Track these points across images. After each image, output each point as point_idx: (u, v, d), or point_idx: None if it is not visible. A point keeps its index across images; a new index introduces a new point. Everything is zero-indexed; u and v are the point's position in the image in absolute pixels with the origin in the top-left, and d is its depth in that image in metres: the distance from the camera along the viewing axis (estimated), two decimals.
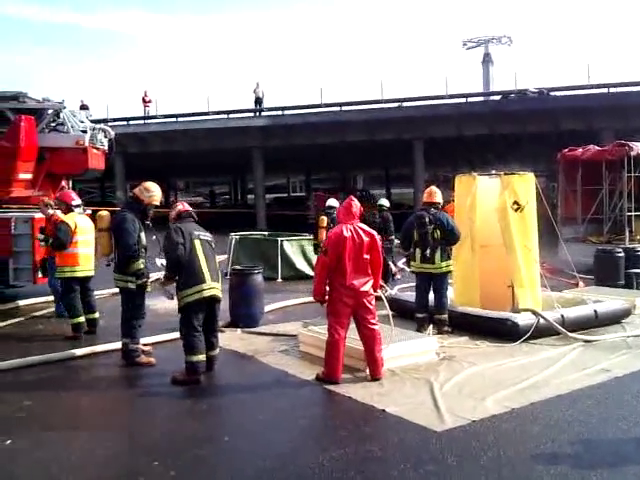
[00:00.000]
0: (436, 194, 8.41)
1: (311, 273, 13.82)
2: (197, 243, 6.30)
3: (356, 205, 6.28)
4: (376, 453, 4.42)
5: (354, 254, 6.08)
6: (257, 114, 30.78)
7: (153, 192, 6.95)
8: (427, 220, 8.05)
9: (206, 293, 6.19)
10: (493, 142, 28.60)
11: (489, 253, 8.55)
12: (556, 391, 5.67)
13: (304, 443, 4.68)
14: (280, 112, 30.98)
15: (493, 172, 8.81)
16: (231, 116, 31.23)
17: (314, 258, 13.96)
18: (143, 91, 32.88)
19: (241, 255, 13.64)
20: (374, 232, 6.28)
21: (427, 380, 6.02)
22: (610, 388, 5.80)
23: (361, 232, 6.15)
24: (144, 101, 32.31)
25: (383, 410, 5.24)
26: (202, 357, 6.20)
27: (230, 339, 7.91)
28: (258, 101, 30.59)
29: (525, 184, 8.54)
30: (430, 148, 28.47)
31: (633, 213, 13.85)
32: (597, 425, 4.88)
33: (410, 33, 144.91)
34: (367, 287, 6.13)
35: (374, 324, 6.19)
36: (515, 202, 8.41)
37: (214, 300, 6.34)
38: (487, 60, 62.62)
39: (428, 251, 8.09)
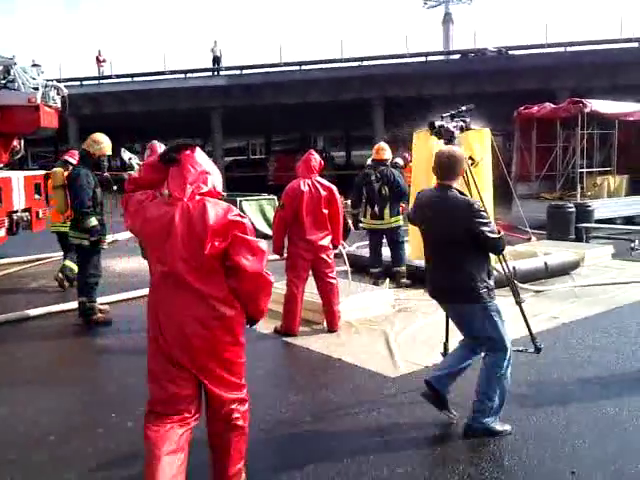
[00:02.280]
0: (384, 151, 8.48)
1: (270, 232, 13.83)
2: None
3: (316, 159, 6.29)
4: (332, 398, 4.56)
5: (312, 208, 6.11)
6: (215, 73, 30.18)
7: (102, 143, 6.83)
8: (374, 177, 8.15)
9: None
10: (453, 101, 28.66)
11: None
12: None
13: (263, 391, 4.78)
14: (239, 71, 30.44)
15: None
16: (188, 76, 30.57)
17: (272, 217, 14.00)
18: (97, 50, 31.80)
19: None
20: (333, 186, 6.30)
21: (383, 331, 6.17)
22: (557, 333, 6.05)
23: (319, 186, 6.18)
24: (98, 60, 31.37)
25: (339, 359, 5.37)
26: None
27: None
28: (216, 60, 29.98)
29: (481, 140, 8.61)
30: (390, 108, 28.42)
31: (585, 170, 14.16)
32: (544, 367, 5.09)
33: None
34: (325, 241, 6.19)
35: (332, 278, 6.27)
36: (470, 157, 8.41)
37: None
38: (447, 20, 62.34)
39: (377, 208, 8.21)
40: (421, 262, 8.51)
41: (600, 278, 8.51)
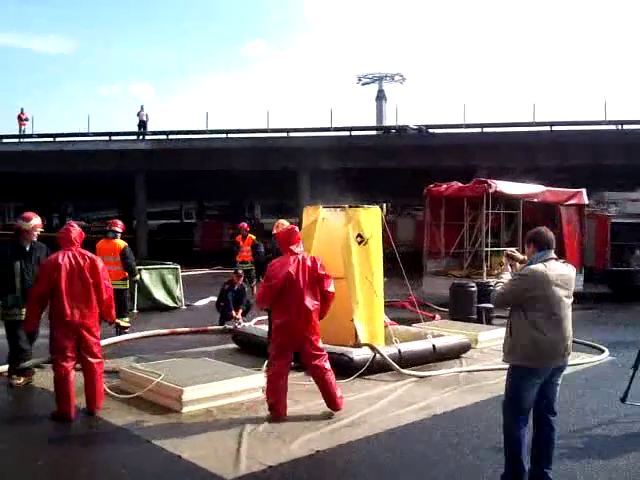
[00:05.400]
0: (283, 226, 8.28)
1: (171, 304, 13.32)
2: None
3: (76, 230, 6.07)
4: None
5: (72, 281, 5.80)
6: (140, 137, 29.83)
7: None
8: (262, 249, 7.91)
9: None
10: (377, 175, 29.22)
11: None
12: (370, 430, 5.52)
13: None
14: (165, 136, 30.22)
15: (343, 205, 8.79)
16: (113, 138, 30.12)
17: (175, 288, 13.48)
18: (19, 108, 30.96)
19: None
20: (95, 257, 6.04)
21: (242, 421, 5.71)
22: (424, 427, 5.73)
23: (79, 258, 5.88)
24: (20, 119, 30.55)
25: (179, 456, 4.86)
26: None
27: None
28: (142, 124, 29.70)
29: (371, 217, 8.55)
30: (316, 179, 28.68)
31: (490, 249, 14.33)
32: (392, 471, 4.72)
33: (303, 65, 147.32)
34: (89, 318, 5.86)
35: (96, 357, 5.95)
36: (359, 235, 8.39)
37: None
38: (381, 96, 64.86)
39: None
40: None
41: (489, 362, 8.33)
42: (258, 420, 5.74)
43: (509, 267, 4.85)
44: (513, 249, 5.18)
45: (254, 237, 14.75)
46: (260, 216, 51.25)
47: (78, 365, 5.96)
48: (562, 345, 4.23)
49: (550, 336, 4.18)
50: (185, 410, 5.88)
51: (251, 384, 6.54)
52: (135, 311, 11.90)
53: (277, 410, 5.78)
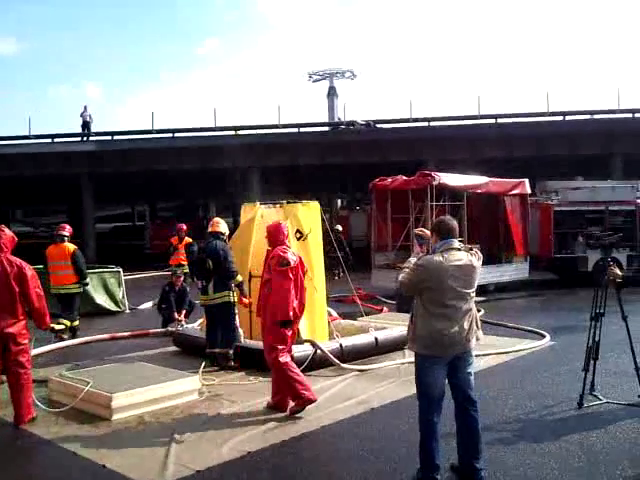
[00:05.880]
0: (219, 224, 8.10)
1: (114, 308, 12.98)
2: None
3: (6, 236, 5.82)
4: None
5: None
6: (84, 139, 29.10)
7: None
8: (196, 249, 7.72)
9: None
10: (326, 171, 29.22)
11: None
12: (305, 428, 5.44)
13: None
14: (110, 137, 29.57)
15: (278, 202, 8.68)
16: (56, 140, 29.30)
17: (117, 292, 13.14)
18: None
19: None
20: (24, 265, 5.78)
21: (174, 426, 5.54)
22: (359, 421, 5.66)
23: (6, 264, 5.66)
24: None
25: (103, 466, 4.67)
26: None
27: None
28: (86, 125, 28.93)
29: (309, 213, 8.45)
30: (267, 176, 28.50)
31: None
32: (323, 468, 4.64)
33: (253, 64, 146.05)
34: (14, 327, 5.64)
35: (22, 367, 5.72)
36: (298, 231, 8.28)
37: None
38: (332, 93, 64.81)
39: (203, 282, 7.75)
40: (246, 342, 8.14)
41: None
42: (191, 423, 5.58)
43: (419, 247, 4.83)
44: (422, 228, 5.15)
45: (191, 240, 13.44)
46: (215, 215, 50.80)
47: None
48: (459, 335, 4.19)
49: (446, 325, 4.16)
50: (115, 417, 5.68)
51: (186, 387, 6.37)
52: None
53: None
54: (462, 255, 4.24)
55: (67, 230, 10.39)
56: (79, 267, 10.11)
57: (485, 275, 15.22)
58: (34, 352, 7.46)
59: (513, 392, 6.52)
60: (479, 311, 11.18)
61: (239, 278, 7.66)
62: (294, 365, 5.95)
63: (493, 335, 9.58)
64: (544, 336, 9.41)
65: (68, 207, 53.14)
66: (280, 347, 5.80)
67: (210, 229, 8.12)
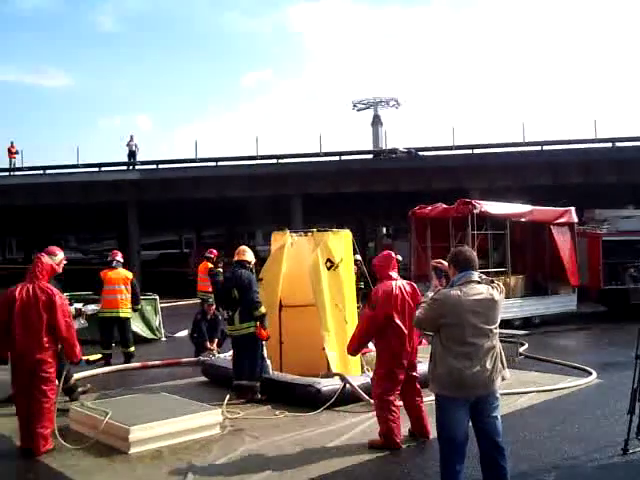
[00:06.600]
0: (245, 253, 7.93)
1: (150, 336, 12.96)
2: None
3: (42, 264, 5.81)
4: None
5: (26, 315, 5.61)
6: (130, 167, 29.71)
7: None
8: (221, 278, 7.58)
9: None
10: (370, 199, 29.00)
11: (303, 313, 8.11)
12: (327, 468, 5.14)
13: None
14: (155, 166, 30.12)
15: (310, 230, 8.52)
16: (103, 169, 30.01)
17: (154, 319, 13.13)
18: (9, 142, 30.99)
19: None
20: (55, 293, 5.72)
21: (189, 462, 5.32)
22: (387, 462, 5.34)
23: (38, 292, 5.65)
24: (10, 152, 30.51)
25: None
26: None
27: None
28: (132, 154, 29.59)
29: (340, 241, 8.25)
30: (309, 204, 28.50)
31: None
32: None
33: (297, 94, 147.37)
34: (40, 354, 5.60)
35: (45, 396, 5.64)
36: (328, 260, 8.07)
37: None
38: (377, 122, 64.91)
39: (229, 312, 7.59)
40: (275, 375, 7.90)
41: None
42: (209, 460, 5.36)
43: (437, 280, 4.54)
44: (440, 259, 4.84)
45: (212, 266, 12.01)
46: (262, 243, 50.95)
47: None
48: (482, 375, 3.89)
49: (466, 364, 3.87)
50: (132, 451, 5.50)
51: (208, 420, 6.15)
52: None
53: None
54: (482, 288, 3.96)
55: (120, 256, 10.77)
56: (136, 292, 10.49)
57: (529, 307, 14.71)
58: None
59: (552, 434, 6.09)
60: (522, 345, 10.93)
61: (262, 310, 7.40)
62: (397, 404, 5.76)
63: (536, 371, 9.11)
64: (591, 373, 8.89)
65: (118, 234, 54.40)
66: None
67: (236, 258, 7.94)
